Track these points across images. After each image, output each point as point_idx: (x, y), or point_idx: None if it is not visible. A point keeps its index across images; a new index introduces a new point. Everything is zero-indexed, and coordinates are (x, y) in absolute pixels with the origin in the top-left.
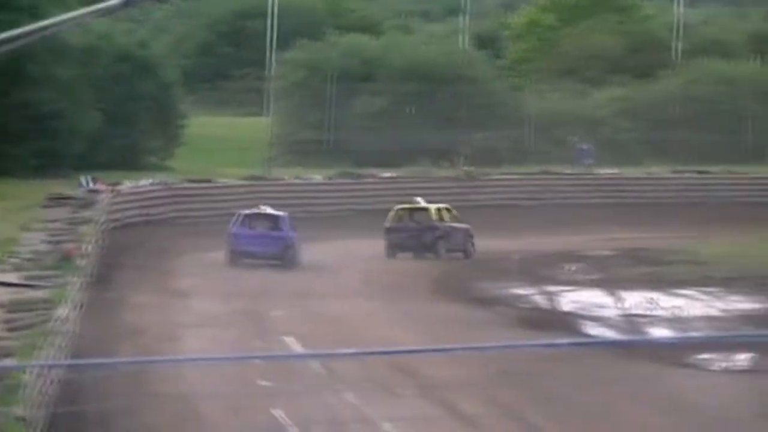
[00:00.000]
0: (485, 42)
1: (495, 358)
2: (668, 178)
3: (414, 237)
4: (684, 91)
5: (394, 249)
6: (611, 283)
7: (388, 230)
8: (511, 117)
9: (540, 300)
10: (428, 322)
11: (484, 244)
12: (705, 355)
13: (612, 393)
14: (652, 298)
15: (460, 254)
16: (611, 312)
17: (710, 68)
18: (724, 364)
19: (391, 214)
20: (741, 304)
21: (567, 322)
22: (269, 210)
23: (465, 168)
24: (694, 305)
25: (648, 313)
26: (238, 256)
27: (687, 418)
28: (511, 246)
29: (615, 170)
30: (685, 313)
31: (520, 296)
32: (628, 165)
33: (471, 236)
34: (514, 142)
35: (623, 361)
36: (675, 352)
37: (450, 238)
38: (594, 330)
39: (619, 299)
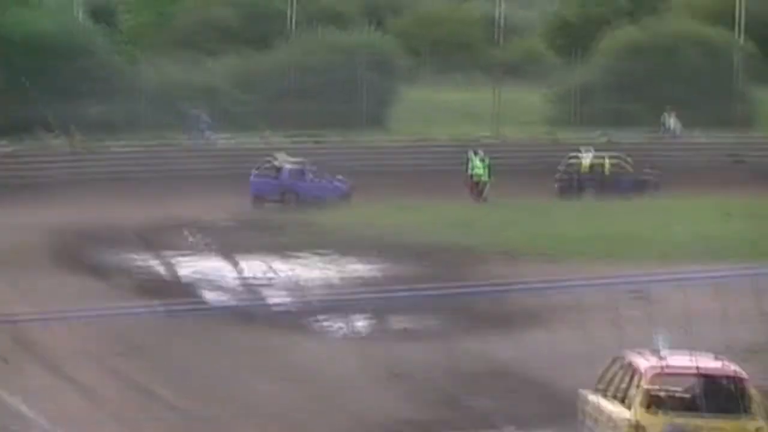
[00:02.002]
0: (101, 15)
1: (114, 328)
2: (284, 147)
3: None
4: (300, 61)
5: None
6: (230, 251)
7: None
8: (127, 89)
9: (159, 269)
10: (45, 294)
11: (103, 214)
12: (325, 321)
13: (232, 360)
14: (270, 265)
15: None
16: (231, 279)
17: (325, 37)
18: (342, 330)
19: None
20: (358, 269)
21: (187, 290)
22: (278, 161)
23: (74, 139)
24: (313, 271)
25: (267, 279)
26: (253, 198)
27: (303, 383)
28: (130, 216)
29: (232, 140)
30: (304, 279)
31: (139, 265)
32: (246, 135)
33: (646, 182)
34: (131, 113)
35: (243, 328)
36: (294, 318)
37: (611, 185)
38: (213, 297)
39: (239, 266)
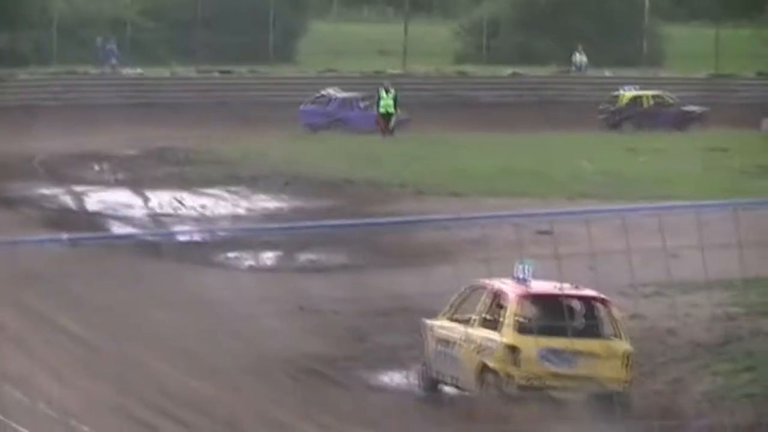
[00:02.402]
0: None
1: (18, 258)
2: (192, 79)
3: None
4: None
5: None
6: (138, 183)
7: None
8: (35, 17)
9: (66, 200)
10: None
11: (8, 144)
12: (231, 254)
13: (136, 292)
14: (178, 198)
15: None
16: (138, 211)
17: None
18: (249, 263)
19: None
20: (266, 202)
21: (94, 222)
22: (330, 91)
23: None
24: (221, 204)
25: (174, 212)
26: (304, 127)
27: (208, 316)
28: (35, 147)
29: (139, 70)
30: (211, 212)
31: (45, 196)
32: (153, 65)
33: (690, 116)
34: (39, 43)
35: (149, 260)
36: (202, 252)
37: (650, 119)
38: (119, 229)
39: (146, 199)
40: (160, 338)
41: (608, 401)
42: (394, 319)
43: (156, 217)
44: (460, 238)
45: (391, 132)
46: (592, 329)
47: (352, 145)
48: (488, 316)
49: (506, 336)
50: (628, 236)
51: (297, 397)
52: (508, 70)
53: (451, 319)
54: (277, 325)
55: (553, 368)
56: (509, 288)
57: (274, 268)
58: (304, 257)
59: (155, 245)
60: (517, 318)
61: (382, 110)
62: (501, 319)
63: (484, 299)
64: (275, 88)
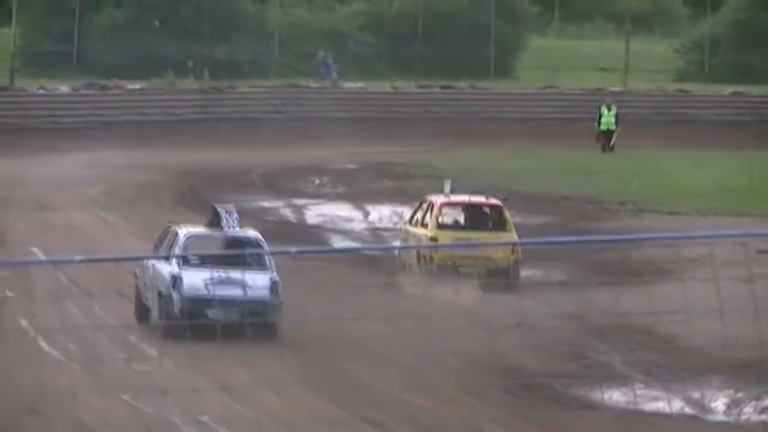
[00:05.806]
0: None
1: None
2: (413, 93)
3: None
4: (427, 5)
5: None
6: (357, 197)
7: None
8: (255, 30)
9: (286, 213)
10: None
11: (229, 156)
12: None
13: (350, 302)
14: (397, 212)
15: None
16: (357, 225)
17: None
18: (469, 276)
19: None
20: None
21: (312, 235)
22: None
23: (202, 79)
24: None
25: (394, 226)
26: None
27: (425, 329)
28: (256, 159)
29: (360, 84)
30: None
31: (265, 209)
32: (373, 79)
33: None
34: (258, 55)
35: (361, 272)
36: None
37: None
38: (340, 243)
39: (366, 213)
40: (376, 351)
41: (503, 274)
42: (613, 337)
43: (375, 231)
44: (680, 257)
45: (611, 149)
46: (489, 225)
47: (570, 160)
48: (425, 220)
49: (430, 231)
50: None
51: (513, 413)
52: (728, 89)
53: (410, 223)
54: (495, 341)
55: (460, 252)
56: (437, 199)
57: (491, 283)
58: (522, 273)
59: (372, 258)
60: (438, 219)
61: (603, 127)
62: (429, 220)
63: (425, 208)
64: (495, 104)
